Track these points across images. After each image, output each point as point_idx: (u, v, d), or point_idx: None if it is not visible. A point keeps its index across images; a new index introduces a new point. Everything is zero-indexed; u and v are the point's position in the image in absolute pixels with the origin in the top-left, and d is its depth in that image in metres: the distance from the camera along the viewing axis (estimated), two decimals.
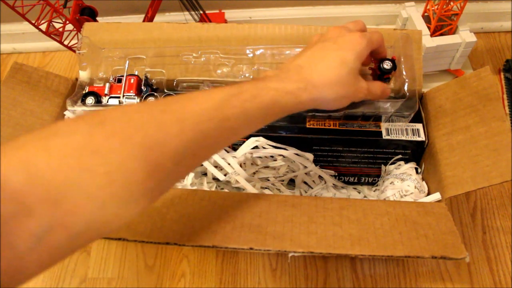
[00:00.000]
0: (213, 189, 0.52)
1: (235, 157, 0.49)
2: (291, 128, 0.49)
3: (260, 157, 0.50)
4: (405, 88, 0.46)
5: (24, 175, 0.21)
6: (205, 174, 0.53)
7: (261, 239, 0.37)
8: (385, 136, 0.48)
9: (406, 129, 0.48)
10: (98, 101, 0.49)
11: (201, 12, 0.70)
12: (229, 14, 0.77)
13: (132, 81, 0.50)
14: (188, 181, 0.50)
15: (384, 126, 0.49)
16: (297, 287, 0.51)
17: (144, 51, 0.53)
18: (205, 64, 0.52)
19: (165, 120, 0.27)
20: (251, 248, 0.36)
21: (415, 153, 0.50)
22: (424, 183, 0.49)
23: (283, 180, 0.53)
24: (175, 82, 0.52)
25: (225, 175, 0.50)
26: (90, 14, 0.63)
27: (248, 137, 0.49)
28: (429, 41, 0.62)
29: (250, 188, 0.49)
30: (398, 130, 0.48)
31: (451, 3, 0.61)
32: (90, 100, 0.49)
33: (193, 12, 0.70)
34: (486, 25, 0.75)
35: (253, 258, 0.54)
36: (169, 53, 0.52)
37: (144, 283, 0.53)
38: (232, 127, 0.30)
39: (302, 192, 0.54)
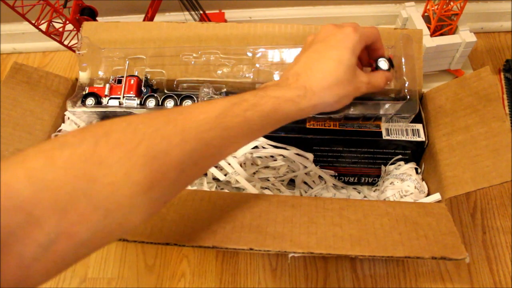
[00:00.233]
0: (213, 189, 0.52)
1: (235, 157, 0.49)
2: (291, 128, 0.49)
3: (260, 157, 0.50)
4: (405, 88, 0.46)
5: (31, 186, 0.21)
6: (205, 174, 0.53)
7: (261, 239, 0.37)
8: (385, 136, 0.48)
9: (406, 130, 0.48)
10: (98, 102, 0.49)
11: (201, 12, 0.70)
12: (229, 14, 0.77)
13: (132, 82, 0.50)
14: None
15: (384, 126, 0.49)
16: (297, 287, 0.51)
17: (144, 51, 0.53)
18: (205, 65, 0.52)
19: (168, 130, 0.27)
20: (251, 249, 0.36)
21: (415, 153, 0.50)
22: (424, 183, 0.49)
23: (283, 180, 0.53)
24: (175, 83, 0.52)
25: (225, 175, 0.50)
26: (90, 14, 0.63)
27: None
28: (429, 41, 0.62)
29: (250, 188, 0.49)
30: (398, 131, 0.48)
31: (451, 3, 0.61)
32: (90, 101, 0.49)
33: (193, 12, 0.70)
34: (486, 25, 0.75)
35: (253, 258, 0.54)
36: (169, 53, 0.52)
37: (144, 283, 0.53)
38: (233, 136, 0.30)
39: (302, 192, 0.54)
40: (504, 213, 0.55)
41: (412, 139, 0.48)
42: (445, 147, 0.45)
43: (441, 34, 0.64)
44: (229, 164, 0.49)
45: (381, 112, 0.45)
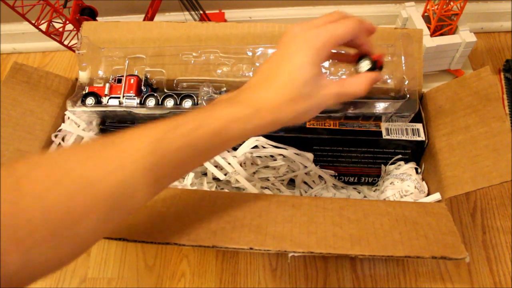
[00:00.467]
0: (213, 189, 0.52)
1: (235, 156, 0.49)
2: (291, 128, 0.49)
3: (260, 156, 0.50)
4: (405, 87, 0.46)
5: None
6: (205, 174, 0.53)
7: (261, 239, 0.37)
8: (385, 136, 0.48)
9: (406, 129, 0.48)
10: (98, 102, 0.49)
11: (201, 12, 0.70)
12: (229, 14, 0.77)
13: (132, 81, 0.50)
14: (188, 181, 0.50)
15: (384, 126, 0.49)
16: (297, 287, 0.51)
17: (144, 51, 0.53)
18: (205, 64, 0.52)
19: (102, 158, 0.26)
20: (251, 248, 0.36)
21: (415, 153, 0.50)
22: (424, 183, 0.49)
23: (283, 180, 0.53)
24: (175, 82, 0.52)
25: (225, 174, 0.50)
26: (90, 14, 0.63)
27: None
28: (429, 41, 0.62)
29: (250, 188, 0.49)
30: (398, 130, 0.48)
31: (451, 3, 0.61)
32: (90, 100, 0.49)
33: (193, 12, 0.70)
34: (486, 25, 0.75)
35: (253, 258, 0.54)
36: (168, 52, 0.52)
37: (144, 283, 0.53)
38: (172, 163, 0.28)
39: (302, 192, 0.54)
40: (504, 213, 0.55)
41: (412, 139, 0.48)
42: (445, 147, 0.45)
43: (441, 34, 0.64)
44: (229, 163, 0.49)
45: (381, 111, 0.45)
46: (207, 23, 0.53)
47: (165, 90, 0.52)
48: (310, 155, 0.50)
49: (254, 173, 0.52)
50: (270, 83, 0.32)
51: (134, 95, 0.49)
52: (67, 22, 0.63)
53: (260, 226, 0.38)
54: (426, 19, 0.64)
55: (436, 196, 0.44)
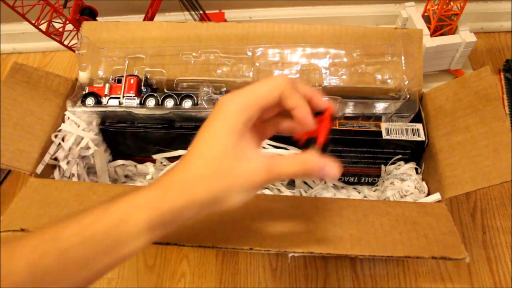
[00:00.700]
0: None
1: None
2: None
3: None
4: (405, 87, 0.46)
5: None
6: None
7: (261, 239, 0.37)
8: (385, 136, 0.48)
9: (406, 129, 0.48)
10: (98, 102, 0.49)
11: (201, 12, 0.70)
12: (229, 14, 0.77)
13: (132, 81, 0.50)
14: None
15: (384, 126, 0.49)
16: (297, 287, 0.51)
17: (144, 51, 0.53)
18: (205, 64, 0.52)
19: None
20: (251, 248, 0.36)
21: (415, 153, 0.50)
22: (424, 183, 0.49)
23: (283, 180, 0.53)
24: (175, 82, 0.52)
25: None
26: (90, 14, 0.63)
27: None
28: (429, 41, 0.62)
29: None
30: (398, 130, 0.48)
31: (451, 3, 0.61)
32: (90, 101, 0.49)
33: (193, 12, 0.70)
34: (486, 25, 0.75)
35: (253, 258, 0.54)
36: (168, 52, 0.52)
37: (144, 283, 0.53)
38: (75, 262, 0.25)
39: (302, 192, 0.54)
40: (504, 213, 0.55)
41: (412, 139, 0.48)
42: (445, 147, 0.45)
43: (441, 34, 0.64)
44: None
45: (381, 111, 0.45)
46: (207, 23, 0.53)
47: (165, 90, 0.52)
48: None
49: None
50: (184, 159, 0.27)
51: (134, 95, 0.49)
52: (67, 22, 0.63)
53: (260, 226, 0.38)
54: (426, 19, 0.64)
55: (436, 196, 0.44)
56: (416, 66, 0.48)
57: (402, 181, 0.49)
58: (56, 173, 0.50)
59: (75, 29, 0.65)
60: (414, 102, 0.45)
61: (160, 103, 0.49)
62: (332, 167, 0.29)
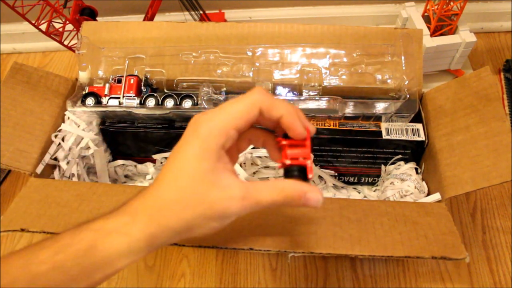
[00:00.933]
0: None
1: None
2: None
3: (260, 157, 0.50)
4: (405, 87, 0.46)
5: None
6: None
7: (261, 239, 0.37)
8: (385, 136, 0.48)
9: (406, 129, 0.48)
10: (98, 102, 0.49)
11: (201, 12, 0.70)
12: (229, 14, 0.77)
13: (132, 81, 0.50)
14: None
15: (384, 126, 0.49)
16: (297, 287, 0.51)
17: (144, 51, 0.53)
18: (205, 64, 0.52)
19: None
20: (251, 248, 0.36)
21: (415, 153, 0.50)
22: (424, 183, 0.49)
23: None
24: (175, 82, 0.52)
25: None
26: (90, 14, 0.63)
27: None
28: (429, 41, 0.62)
29: None
30: (398, 130, 0.48)
31: (451, 3, 0.61)
32: (90, 101, 0.49)
33: (193, 12, 0.70)
34: (486, 25, 0.75)
35: (253, 258, 0.54)
36: (168, 52, 0.52)
37: (144, 283, 0.53)
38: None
39: None
40: (504, 213, 0.55)
41: (412, 139, 0.48)
42: (445, 147, 0.45)
43: (441, 34, 0.64)
44: None
45: (381, 111, 0.45)
46: (207, 23, 0.53)
47: (165, 90, 0.52)
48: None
49: (254, 173, 0.52)
50: (156, 182, 0.26)
51: (134, 95, 0.49)
52: (67, 22, 0.63)
53: (260, 226, 0.38)
54: (426, 19, 0.64)
55: (436, 196, 0.44)
56: (416, 66, 0.48)
57: (402, 181, 0.49)
58: (56, 173, 0.50)
59: (75, 29, 0.65)
60: (414, 102, 0.45)
61: (160, 103, 0.49)
62: (314, 192, 0.26)
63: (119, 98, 0.49)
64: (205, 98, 0.47)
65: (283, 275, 0.52)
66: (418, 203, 0.42)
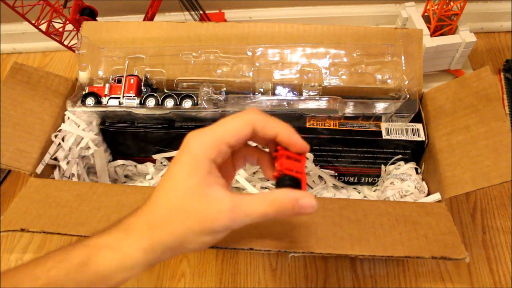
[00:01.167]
0: None
1: None
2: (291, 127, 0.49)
3: None
4: (405, 87, 0.46)
5: None
6: None
7: (261, 239, 0.37)
8: (385, 136, 0.48)
9: (406, 129, 0.48)
10: (98, 102, 0.49)
11: (201, 12, 0.70)
12: (229, 14, 0.77)
13: (132, 81, 0.50)
14: None
15: (384, 126, 0.49)
16: (297, 287, 0.51)
17: (144, 51, 0.53)
18: (205, 64, 0.52)
19: None
20: (251, 248, 0.36)
21: (415, 153, 0.50)
22: (424, 183, 0.49)
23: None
24: (175, 82, 0.52)
25: None
26: (90, 14, 0.63)
27: None
28: (429, 41, 0.62)
29: (250, 188, 0.49)
30: (398, 130, 0.48)
31: (451, 3, 0.60)
32: (90, 101, 0.49)
33: (193, 12, 0.70)
34: (486, 25, 0.75)
35: (253, 258, 0.54)
36: (168, 52, 0.52)
37: (144, 283, 0.53)
38: None
39: None
40: (504, 213, 0.55)
41: (412, 139, 0.48)
42: (445, 147, 0.45)
43: (441, 34, 0.64)
44: None
45: (381, 111, 0.45)
46: (207, 23, 0.53)
47: (165, 90, 0.52)
48: (310, 155, 0.50)
49: (254, 173, 0.52)
50: (147, 201, 0.27)
51: (134, 95, 0.49)
52: (67, 22, 0.63)
53: (260, 226, 0.38)
54: (426, 19, 0.64)
55: (436, 196, 0.44)
56: (416, 66, 0.48)
57: (402, 181, 0.49)
58: (56, 173, 0.50)
59: (75, 29, 0.65)
60: (414, 102, 0.45)
61: (160, 103, 0.49)
62: (307, 197, 0.26)
63: (119, 98, 0.49)
64: (205, 98, 0.47)
65: (283, 275, 0.52)
66: (418, 203, 0.42)
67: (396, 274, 0.51)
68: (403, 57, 0.44)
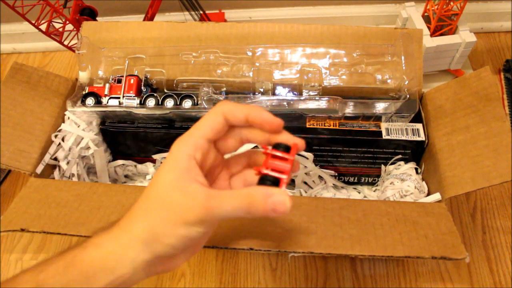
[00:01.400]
0: None
1: None
2: (291, 128, 0.49)
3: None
4: (405, 87, 0.46)
5: None
6: None
7: (261, 239, 0.37)
8: (385, 136, 0.48)
9: (406, 129, 0.48)
10: (98, 102, 0.49)
11: (201, 12, 0.70)
12: (229, 14, 0.77)
13: (132, 81, 0.50)
14: None
15: (384, 126, 0.49)
16: (297, 287, 0.51)
17: (144, 51, 0.53)
18: (205, 64, 0.52)
19: None
20: (251, 248, 0.36)
21: (415, 153, 0.50)
22: (424, 183, 0.49)
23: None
24: (175, 82, 0.52)
25: None
26: (90, 14, 0.63)
27: None
28: (429, 41, 0.62)
29: None
30: (398, 130, 0.48)
31: (451, 3, 0.60)
32: (90, 101, 0.49)
33: (193, 12, 0.70)
34: (486, 25, 0.75)
35: (253, 258, 0.54)
36: (168, 52, 0.52)
37: (144, 283, 0.53)
38: None
39: (302, 192, 0.54)
40: (504, 213, 0.55)
41: (412, 139, 0.48)
42: (445, 147, 0.45)
43: (441, 34, 0.64)
44: None
45: (381, 111, 0.45)
46: (207, 23, 0.53)
47: (165, 90, 0.52)
48: (310, 155, 0.50)
49: None
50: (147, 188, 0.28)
51: (134, 95, 0.49)
52: (67, 22, 0.63)
53: (260, 226, 0.38)
54: (426, 19, 0.64)
55: (436, 196, 0.44)
56: (416, 66, 0.48)
57: (402, 181, 0.49)
58: (56, 173, 0.50)
59: (75, 29, 0.65)
60: (414, 102, 0.45)
61: (160, 103, 0.49)
62: (281, 195, 0.25)
63: (119, 98, 0.49)
64: (205, 98, 0.47)
65: (283, 275, 0.52)
66: (418, 203, 0.42)
67: (396, 274, 0.51)
68: (403, 57, 0.44)
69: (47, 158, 0.48)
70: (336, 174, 0.54)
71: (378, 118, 0.48)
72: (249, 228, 0.38)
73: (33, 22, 0.60)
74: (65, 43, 0.67)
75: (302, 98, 0.48)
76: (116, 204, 0.42)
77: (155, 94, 0.49)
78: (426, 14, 0.65)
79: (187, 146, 0.27)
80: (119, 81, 0.50)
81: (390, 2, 0.75)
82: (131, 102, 0.49)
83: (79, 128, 0.51)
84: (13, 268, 0.55)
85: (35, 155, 0.47)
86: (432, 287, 0.50)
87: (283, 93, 0.50)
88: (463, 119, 0.45)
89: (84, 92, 0.50)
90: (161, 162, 0.55)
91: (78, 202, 0.42)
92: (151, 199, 0.26)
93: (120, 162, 0.56)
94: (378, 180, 0.54)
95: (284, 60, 0.50)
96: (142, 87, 0.50)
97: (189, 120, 0.50)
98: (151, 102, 0.49)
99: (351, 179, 0.55)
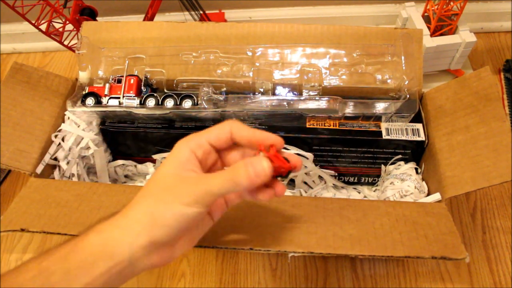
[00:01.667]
0: None
1: None
2: (291, 128, 0.49)
3: None
4: (405, 87, 0.46)
5: None
6: None
7: (261, 239, 0.37)
8: (385, 136, 0.48)
9: (406, 129, 0.48)
10: (98, 102, 0.49)
11: (201, 12, 0.70)
12: (229, 14, 0.77)
13: (132, 81, 0.50)
14: None
15: (384, 126, 0.49)
16: (297, 287, 0.51)
17: (144, 51, 0.53)
18: (205, 64, 0.52)
19: None
20: (251, 248, 0.36)
21: (415, 153, 0.50)
22: (424, 183, 0.49)
23: (283, 180, 0.53)
24: (175, 82, 0.52)
25: None
26: (90, 14, 0.63)
27: None
28: (429, 41, 0.62)
29: None
30: (398, 130, 0.48)
31: (451, 3, 0.61)
32: (90, 101, 0.49)
33: (193, 12, 0.70)
34: (486, 25, 0.75)
35: (253, 258, 0.54)
36: (168, 52, 0.52)
37: (144, 283, 0.53)
38: None
39: (302, 192, 0.54)
40: (504, 213, 0.55)
41: (412, 139, 0.48)
42: (445, 147, 0.45)
43: (441, 34, 0.64)
44: None
45: (381, 111, 0.45)
46: (207, 23, 0.53)
47: (165, 90, 0.52)
48: (310, 155, 0.50)
49: None
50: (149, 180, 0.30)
51: (134, 95, 0.49)
52: (67, 22, 0.63)
53: (260, 226, 0.38)
54: (426, 19, 0.64)
55: (436, 196, 0.44)
56: (416, 66, 0.48)
57: (402, 181, 0.49)
58: (56, 173, 0.50)
59: (75, 29, 0.65)
60: (414, 102, 0.45)
61: (160, 103, 0.49)
62: (259, 160, 0.27)
63: (119, 98, 0.49)
64: (205, 98, 0.47)
65: (283, 275, 0.52)
66: (418, 203, 0.42)
67: (396, 274, 0.51)
68: (403, 57, 0.44)
69: (47, 158, 0.48)
70: (336, 174, 0.54)
71: (378, 118, 0.48)
72: (249, 228, 0.38)
73: (33, 22, 0.60)
74: (65, 43, 0.67)
75: (302, 98, 0.48)
76: (116, 204, 0.42)
77: (155, 94, 0.49)
78: (426, 14, 0.65)
79: (190, 143, 0.29)
80: (119, 81, 0.50)
81: (390, 2, 0.75)
82: (131, 102, 0.49)
83: (79, 128, 0.51)
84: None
85: (35, 155, 0.47)
86: (432, 287, 0.50)
87: (283, 93, 0.50)
88: (463, 119, 0.45)
89: (84, 92, 0.50)
90: (161, 162, 0.55)
91: (78, 202, 0.42)
92: (150, 187, 0.28)
93: (120, 162, 0.56)
94: (378, 180, 0.54)
95: (284, 60, 0.50)
96: (142, 87, 0.50)
97: (189, 120, 0.50)
98: (151, 102, 0.49)
99: (351, 179, 0.55)
